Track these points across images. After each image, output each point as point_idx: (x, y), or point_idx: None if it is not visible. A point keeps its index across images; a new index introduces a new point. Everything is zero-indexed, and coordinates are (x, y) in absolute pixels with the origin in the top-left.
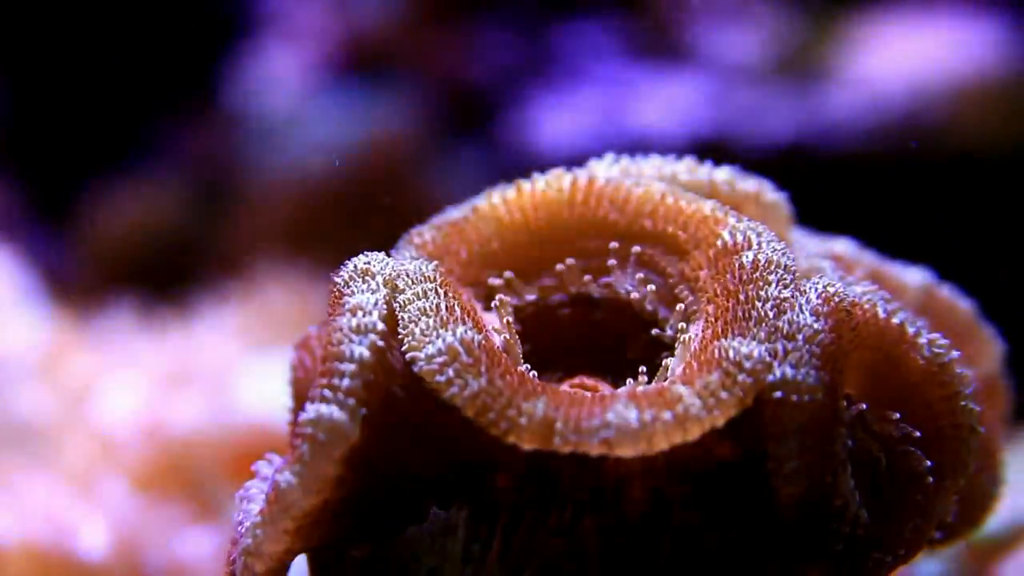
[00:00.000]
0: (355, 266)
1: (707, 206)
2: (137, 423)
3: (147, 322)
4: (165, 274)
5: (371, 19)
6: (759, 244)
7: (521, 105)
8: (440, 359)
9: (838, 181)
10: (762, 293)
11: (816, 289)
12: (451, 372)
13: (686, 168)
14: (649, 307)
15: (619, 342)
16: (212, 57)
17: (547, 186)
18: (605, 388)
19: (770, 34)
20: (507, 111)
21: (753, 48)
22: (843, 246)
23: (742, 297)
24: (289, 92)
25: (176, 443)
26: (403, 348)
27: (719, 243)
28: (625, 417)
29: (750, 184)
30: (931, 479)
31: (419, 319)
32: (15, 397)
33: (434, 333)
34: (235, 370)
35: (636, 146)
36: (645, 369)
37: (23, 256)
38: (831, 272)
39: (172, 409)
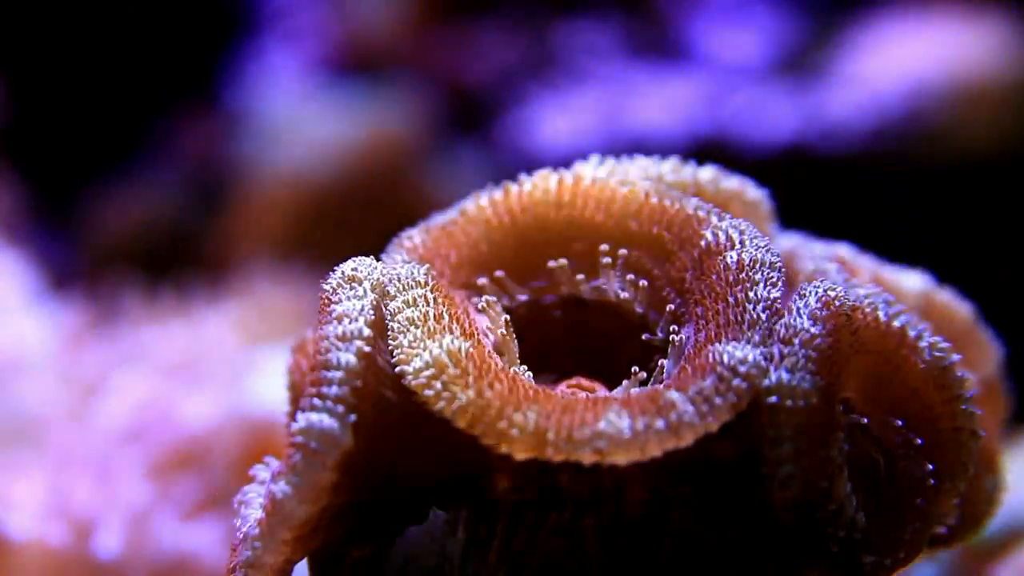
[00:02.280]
0: (342, 272)
1: (690, 205)
2: (148, 417)
3: (151, 318)
4: (165, 272)
5: (371, 19)
6: (742, 243)
7: (521, 105)
8: (427, 372)
9: (838, 182)
10: (751, 295)
11: (816, 293)
12: (439, 385)
13: (671, 168)
14: (639, 309)
15: (612, 343)
16: (212, 56)
17: (533, 187)
18: (601, 389)
19: (770, 34)
20: (507, 111)
21: (753, 48)
22: (841, 250)
23: (731, 300)
24: (289, 92)
25: (188, 437)
26: (392, 360)
27: (703, 243)
28: (618, 426)
29: (733, 182)
30: (931, 483)
31: (407, 330)
32: (26, 393)
33: (421, 345)
34: (242, 365)
35: (635, 147)
36: (638, 370)
37: (27, 255)
38: (835, 274)
39: (182, 403)
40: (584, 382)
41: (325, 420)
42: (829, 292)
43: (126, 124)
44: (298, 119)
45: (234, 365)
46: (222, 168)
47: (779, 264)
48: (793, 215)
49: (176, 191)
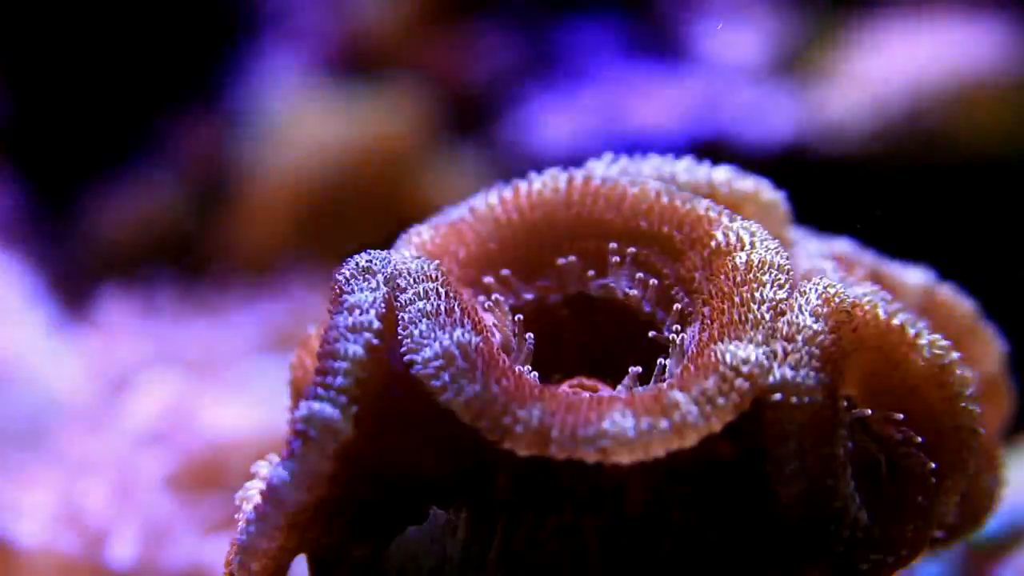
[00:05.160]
0: (356, 264)
1: (701, 206)
2: (170, 423)
3: (160, 318)
4: (165, 273)
5: (371, 19)
6: (752, 244)
7: (521, 105)
8: (436, 363)
9: (838, 181)
10: (757, 295)
11: (816, 290)
12: (447, 376)
13: (685, 168)
14: (646, 308)
15: (618, 342)
16: (212, 57)
17: (543, 185)
18: (604, 389)
19: (770, 34)
20: (507, 111)
21: (753, 48)
22: (843, 246)
23: (737, 299)
24: (289, 92)
25: (210, 443)
26: (402, 350)
27: (713, 244)
28: (621, 425)
29: (748, 183)
30: (932, 480)
31: (419, 321)
32: (38, 395)
33: (432, 335)
34: (257, 367)
35: (636, 146)
36: (642, 370)
37: (29, 256)
38: (832, 272)
39: (203, 408)
40: (586, 381)
41: (327, 409)
42: (829, 289)
43: (126, 124)
44: (298, 119)
45: (250, 367)
46: (222, 168)
47: (788, 266)
48: (793, 215)
49: (176, 191)
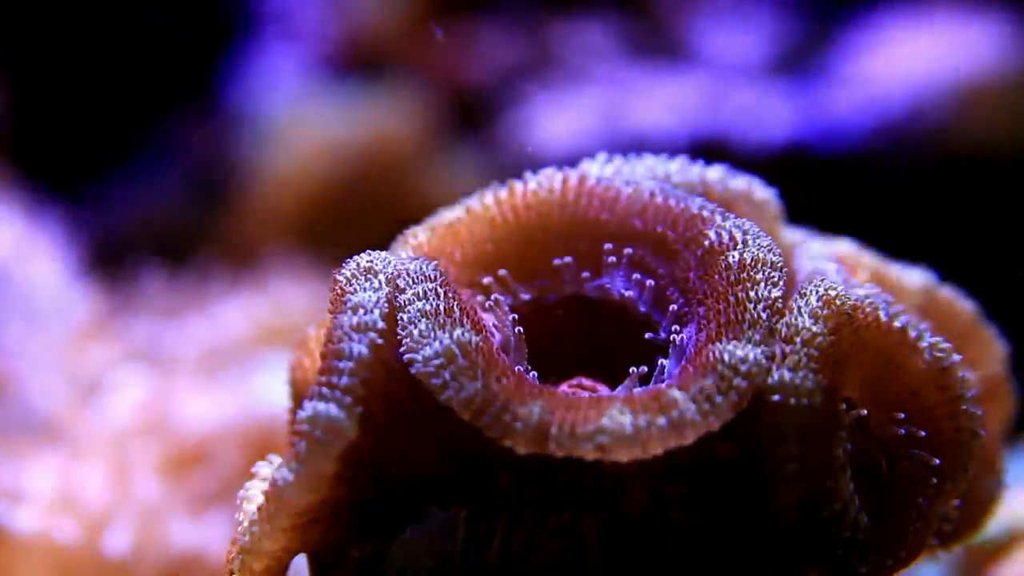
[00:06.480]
0: (357, 264)
1: (695, 205)
2: (159, 414)
3: (160, 315)
4: (165, 271)
5: (371, 18)
6: (744, 242)
7: (521, 105)
8: (437, 361)
9: (838, 181)
10: (752, 294)
11: (817, 292)
12: (447, 375)
13: (679, 168)
14: (642, 309)
15: (616, 343)
16: (213, 56)
17: (538, 186)
18: (603, 389)
19: (770, 34)
20: (507, 111)
21: (753, 48)
22: (844, 247)
23: (732, 299)
24: (289, 91)
25: (198, 436)
26: (402, 349)
27: (706, 243)
28: (620, 422)
29: (741, 182)
30: (932, 482)
31: (418, 320)
32: (38, 386)
33: (432, 334)
34: (252, 363)
35: (636, 146)
36: (637, 369)
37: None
38: (835, 274)
39: (192, 401)
40: (585, 382)
41: (333, 410)
42: (830, 291)
43: (127, 124)
44: (298, 118)
45: (246, 362)
46: (222, 168)
47: (780, 264)
48: (793, 215)
49: (176, 191)
